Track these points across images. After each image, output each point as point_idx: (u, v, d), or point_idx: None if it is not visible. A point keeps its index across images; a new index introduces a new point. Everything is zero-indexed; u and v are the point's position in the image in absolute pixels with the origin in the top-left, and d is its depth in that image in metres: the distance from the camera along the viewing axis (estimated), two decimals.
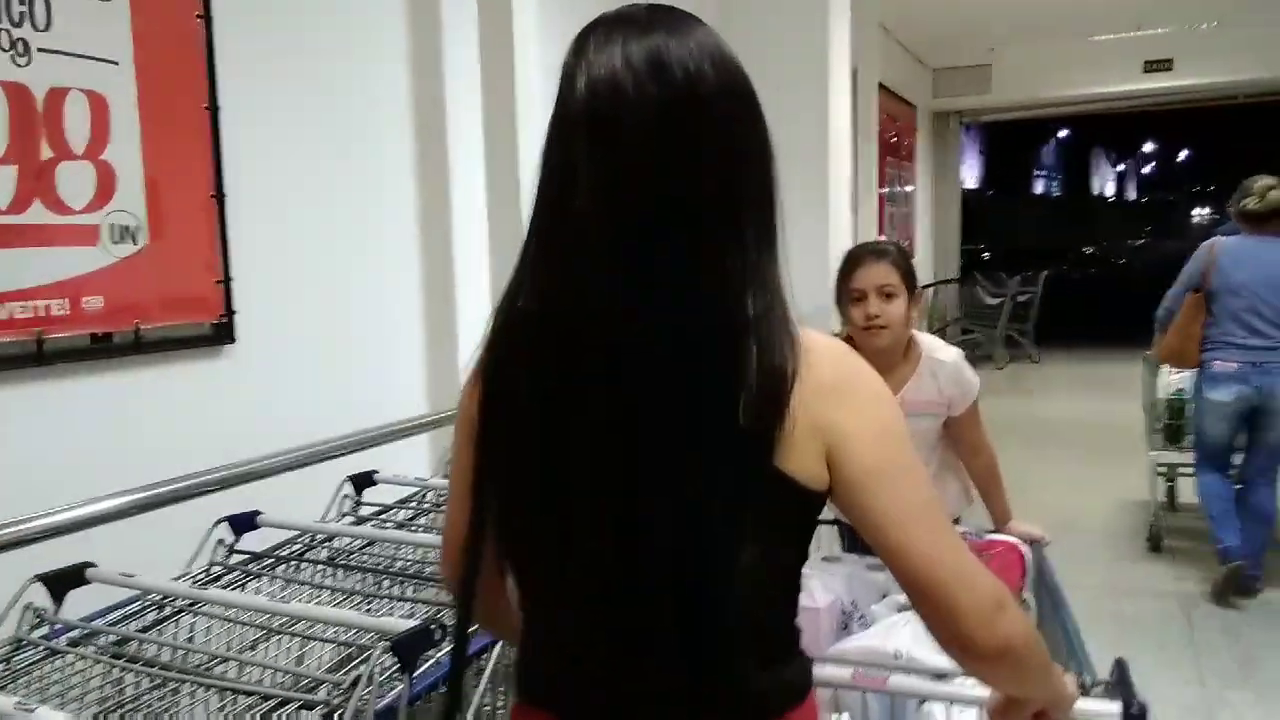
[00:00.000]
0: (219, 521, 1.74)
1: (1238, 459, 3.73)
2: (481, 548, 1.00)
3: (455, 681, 1.07)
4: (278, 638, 1.44)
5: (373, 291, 2.69)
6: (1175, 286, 3.82)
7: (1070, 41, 9.18)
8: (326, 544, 1.82)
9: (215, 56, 2.16)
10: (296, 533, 1.80)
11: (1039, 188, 27.92)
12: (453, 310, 2.84)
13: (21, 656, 1.34)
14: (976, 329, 10.35)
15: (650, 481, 0.88)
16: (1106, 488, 5.27)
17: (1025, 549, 2.03)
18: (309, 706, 1.16)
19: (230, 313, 2.21)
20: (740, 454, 0.88)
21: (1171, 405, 4.16)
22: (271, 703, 1.18)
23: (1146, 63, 9.28)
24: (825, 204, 5.02)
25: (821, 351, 0.92)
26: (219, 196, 2.18)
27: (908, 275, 2.16)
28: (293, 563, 1.73)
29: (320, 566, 1.74)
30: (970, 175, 20.60)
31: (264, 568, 1.70)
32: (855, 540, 2.09)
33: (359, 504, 2.05)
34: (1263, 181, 3.68)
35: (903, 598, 1.59)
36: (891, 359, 2.15)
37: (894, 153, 8.81)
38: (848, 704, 1.47)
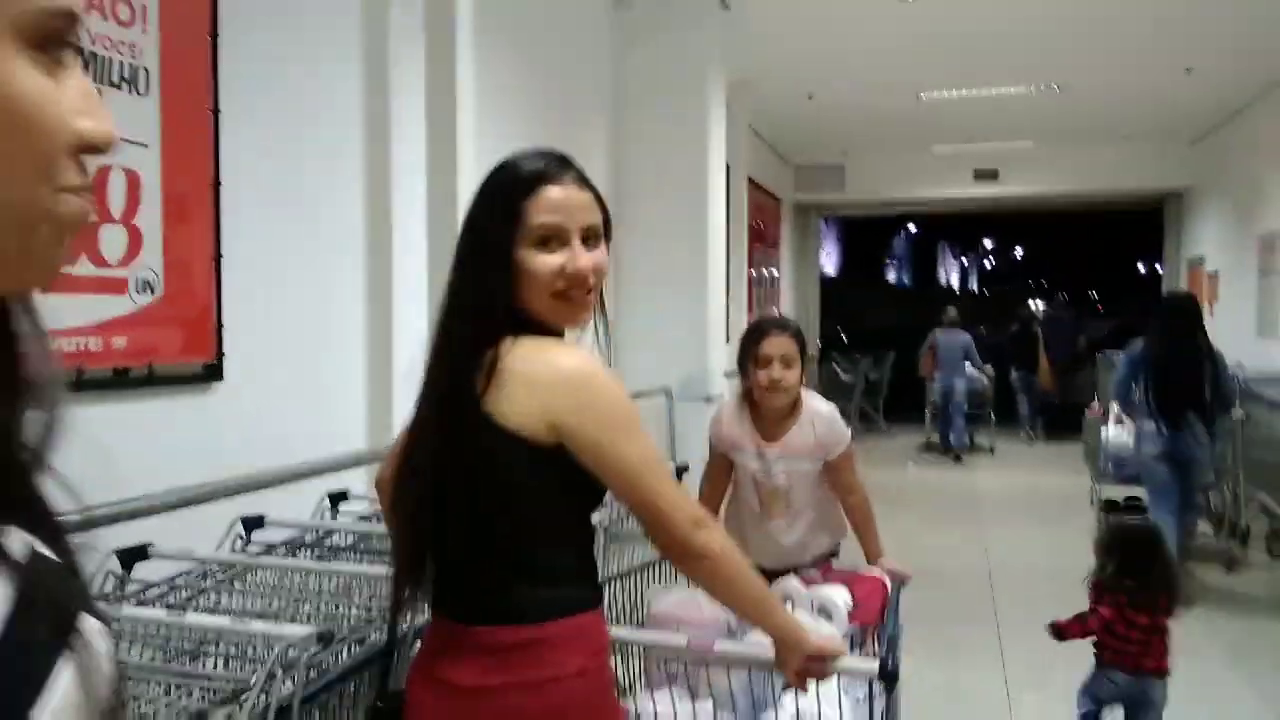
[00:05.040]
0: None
1: None
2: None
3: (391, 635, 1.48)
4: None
5: (328, 343, 3.13)
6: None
7: (912, 150, 10.41)
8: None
9: (220, 143, 2.62)
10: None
11: (891, 276, 29.97)
12: (390, 361, 3.30)
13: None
14: (833, 402, 11.26)
15: (445, 454, 1.36)
16: (945, 541, 6.04)
17: (888, 582, 2.37)
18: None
19: (220, 355, 2.63)
20: (501, 436, 1.31)
21: None
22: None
23: (976, 171, 10.61)
24: (704, 284, 5.69)
25: (566, 346, 1.41)
26: (217, 258, 2.61)
27: (802, 347, 2.54)
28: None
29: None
30: (829, 263, 22.17)
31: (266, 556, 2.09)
32: None
33: (249, 542, 2.27)
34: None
35: (780, 596, 2.06)
36: (782, 412, 2.53)
37: (761, 240, 9.70)
38: (714, 689, 1.81)
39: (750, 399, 2.55)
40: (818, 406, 2.58)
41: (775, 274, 10.64)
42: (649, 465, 1.31)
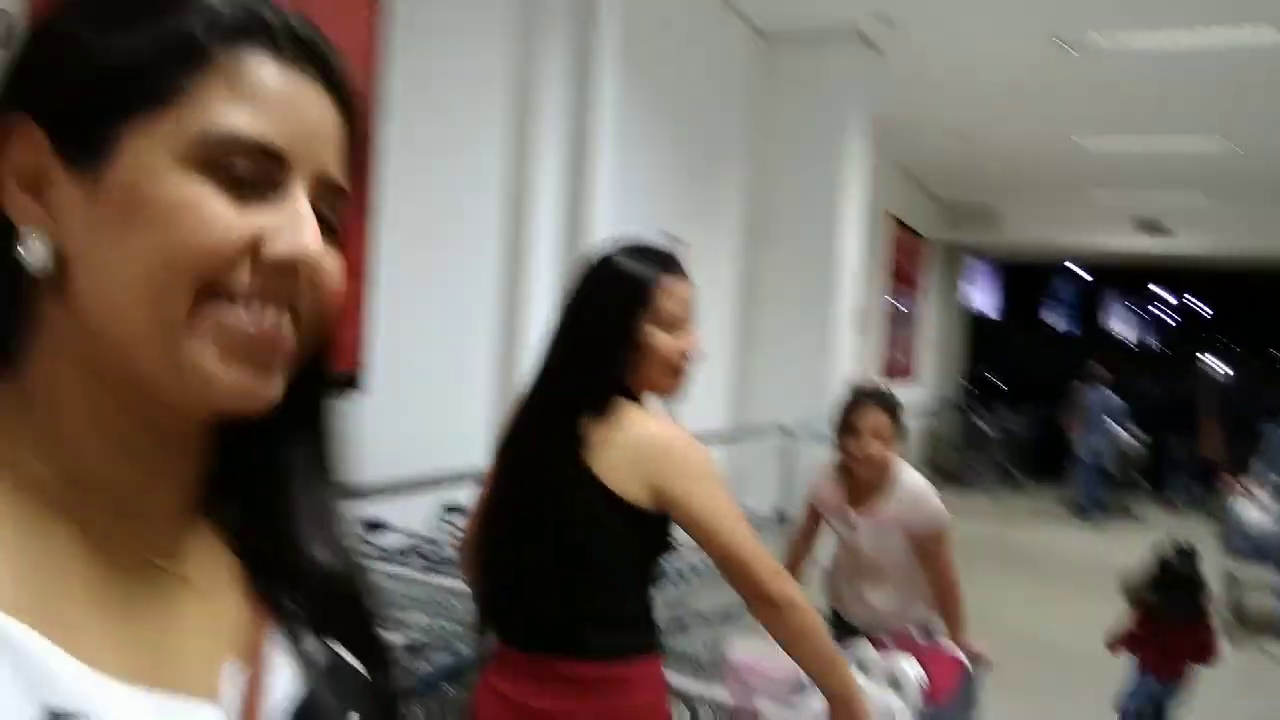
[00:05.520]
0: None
1: None
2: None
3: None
4: None
5: (460, 362, 3.37)
6: None
7: (1070, 196, 9.96)
8: None
9: (374, 166, 2.88)
10: None
11: (1058, 324, 28.66)
12: (514, 384, 3.50)
13: None
14: (971, 455, 10.95)
15: (540, 506, 1.51)
16: (1067, 613, 5.79)
17: (965, 660, 2.40)
18: None
19: (361, 366, 2.88)
20: (597, 493, 1.47)
21: None
22: None
23: (1139, 222, 10.08)
24: (833, 322, 5.69)
25: (668, 421, 1.56)
26: (366, 275, 2.87)
27: (897, 421, 2.53)
28: None
29: None
30: (988, 305, 21.34)
31: None
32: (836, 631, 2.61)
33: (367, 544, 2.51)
34: None
35: (854, 661, 2.11)
36: (873, 483, 2.54)
37: (903, 279, 9.53)
38: None
39: (844, 467, 2.59)
40: (910, 483, 2.56)
41: (916, 313, 10.45)
42: (732, 519, 1.47)
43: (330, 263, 0.53)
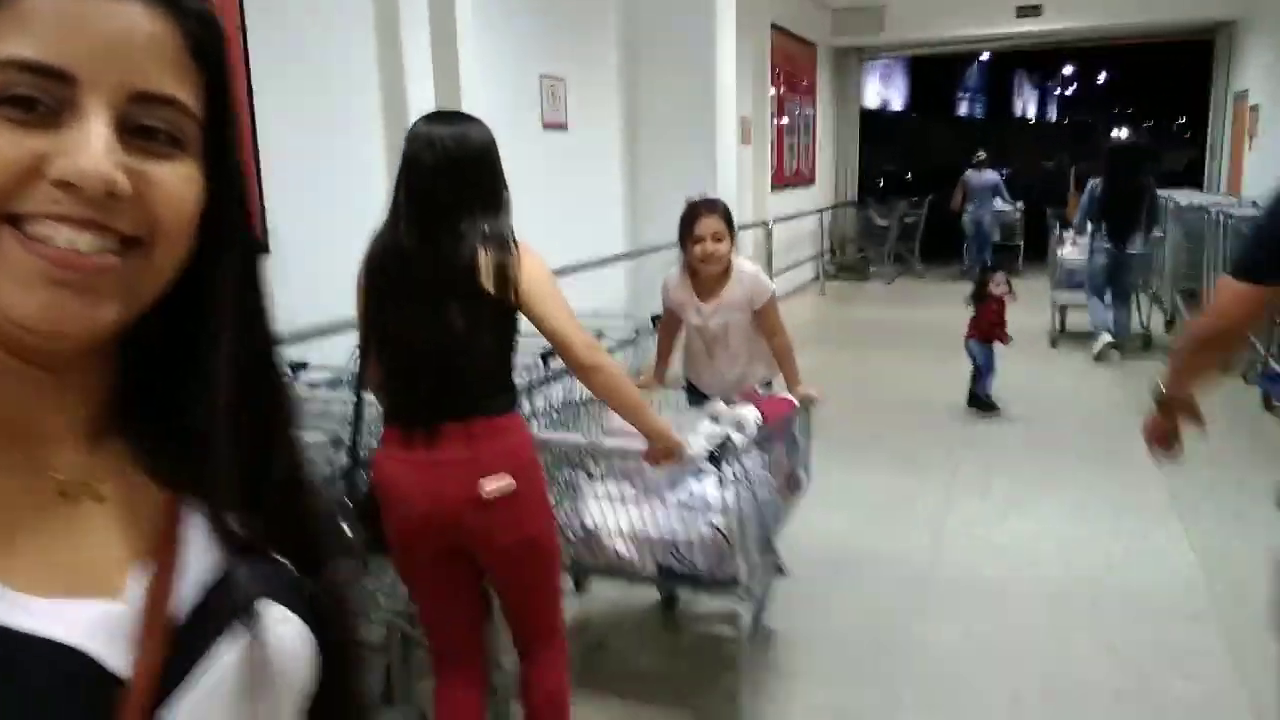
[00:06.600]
0: None
1: None
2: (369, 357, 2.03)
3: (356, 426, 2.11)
4: None
5: (362, 218, 3.72)
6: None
7: None
8: None
9: (250, 55, 3.14)
10: None
11: (963, 110, 28.88)
12: None
13: None
14: (868, 248, 11.62)
15: (446, 317, 1.90)
16: (948, 374, 6.52)
17: (796, 402, 2.95)
18: None
19: (265, 232, 3.23)
20: (485, 303, 1.89)
21: None
22: None
23: (1018, 8, 10.40)
24: (713, 140, 6.06)
25: (526, 246, 1.95)
26: (255, 150, 3.18)
27: (729, 223, 3.00)
28: None
29: None
30: (893, 102, 21.58)
31: None
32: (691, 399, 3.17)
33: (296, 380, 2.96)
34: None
35: (708, 415, 2.69)
36: (716, 277, 3.02)
37: (794, 87, 9.81)
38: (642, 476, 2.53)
39: (690, 268, 3.04)
40: (745, 268, 3.06)
41: (812, 120, 10.77)
42: (559, 310, 1.94)
43: (162, 174, 0.51)
